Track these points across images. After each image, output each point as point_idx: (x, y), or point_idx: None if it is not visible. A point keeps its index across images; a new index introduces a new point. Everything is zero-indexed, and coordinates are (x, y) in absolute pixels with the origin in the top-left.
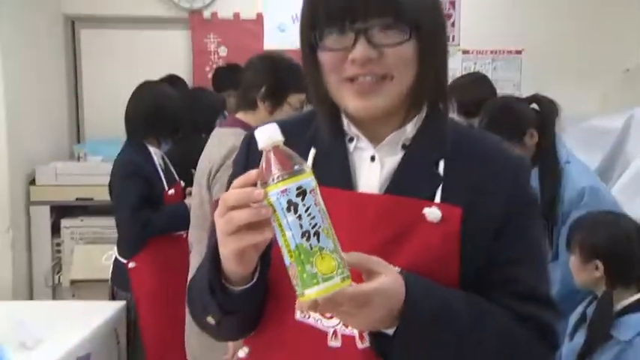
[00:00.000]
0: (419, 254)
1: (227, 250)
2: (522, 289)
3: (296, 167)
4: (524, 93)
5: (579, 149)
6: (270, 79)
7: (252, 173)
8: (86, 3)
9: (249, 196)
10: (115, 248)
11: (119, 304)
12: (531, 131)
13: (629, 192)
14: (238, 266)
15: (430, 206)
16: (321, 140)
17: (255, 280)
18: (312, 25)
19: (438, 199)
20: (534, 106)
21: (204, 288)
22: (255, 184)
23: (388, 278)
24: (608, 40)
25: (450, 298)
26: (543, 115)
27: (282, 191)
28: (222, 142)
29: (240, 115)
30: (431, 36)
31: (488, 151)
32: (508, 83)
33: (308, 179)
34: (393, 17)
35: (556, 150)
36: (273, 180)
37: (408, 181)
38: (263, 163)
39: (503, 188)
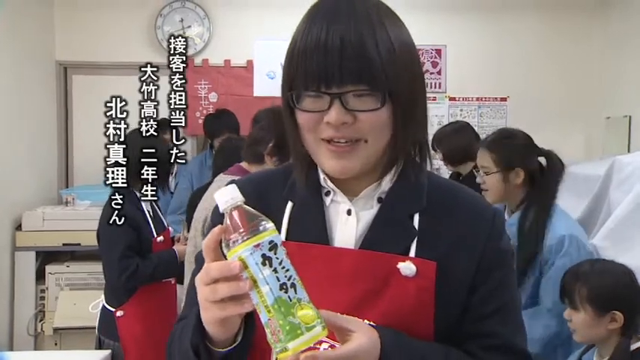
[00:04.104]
0: (394, 308)
1: (209, 315)
2: (499, 343)
3: (262, 224)
4: None
5: (563, 195)
6: (279, 135)
7: (216, 230)
8: (79, 50)
9: (230, 270)
10: (103, 296)
11: (105, 354)
12: (518, 170)
13: (613, 238)
14: (220, 330)
15: (404, 261)
16: (297, 194)
17: (238, 342)
18: (290, 87)
19: (412, 253)
20: (541, 159)
21: (186, 351)
22: (220, 241)
23: (366, 337)
24: (590, 89)
25: (426, 352)
26: (549, 168)
27: (256, 246)
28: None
29: (244, 165)
30: (407, 102)
31: (463, 204)
32: (493, 129)
33: (275, 234)
34: (367, 85)
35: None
36: (241, 238)
37: (383, 235)
38: (228, 224)
39: (478, 242)
